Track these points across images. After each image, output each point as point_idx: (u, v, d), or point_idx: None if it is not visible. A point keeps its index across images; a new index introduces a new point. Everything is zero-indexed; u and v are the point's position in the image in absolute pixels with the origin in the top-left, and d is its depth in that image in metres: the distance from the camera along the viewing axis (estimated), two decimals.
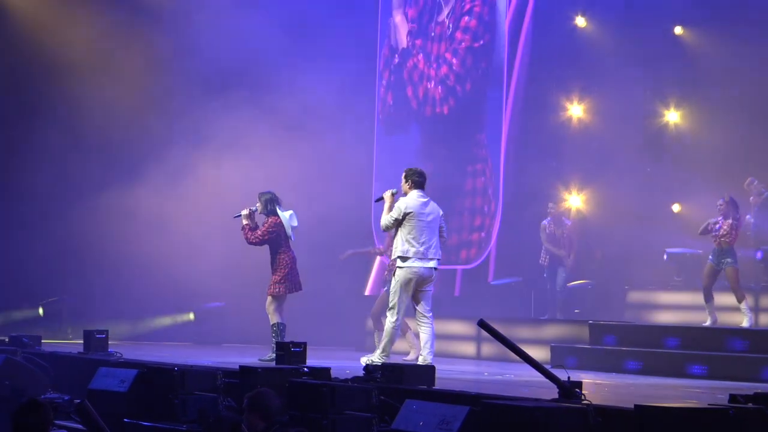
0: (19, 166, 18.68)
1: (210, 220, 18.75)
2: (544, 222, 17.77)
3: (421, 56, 19.51)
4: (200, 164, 18.76)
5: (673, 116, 18.91)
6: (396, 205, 12.61)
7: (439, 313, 16.38)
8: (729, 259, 14.95)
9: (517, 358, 9.08)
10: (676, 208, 18.61)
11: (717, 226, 15.02)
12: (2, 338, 14.74)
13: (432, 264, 12.61)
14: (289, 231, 14.14)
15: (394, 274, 12.69)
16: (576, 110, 19.24)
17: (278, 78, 19.03)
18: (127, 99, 18.56)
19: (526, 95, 18.72)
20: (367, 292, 19.37)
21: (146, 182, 18.59)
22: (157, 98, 18.78)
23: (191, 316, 19.18)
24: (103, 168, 18.64)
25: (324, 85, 18.64)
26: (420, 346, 14.17)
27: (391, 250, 13.03)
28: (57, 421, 8.84)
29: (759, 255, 16.74)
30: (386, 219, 12.68)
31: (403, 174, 12.79)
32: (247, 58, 18.62)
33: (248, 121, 18.62)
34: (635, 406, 7.63)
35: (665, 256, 17.69)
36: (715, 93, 17.93)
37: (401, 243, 12.56)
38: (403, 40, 19.89)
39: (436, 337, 12.73)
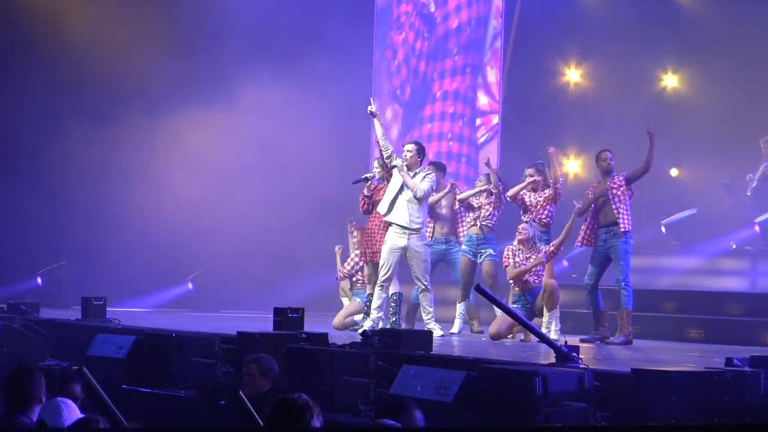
0: (9, 124, 18.48)
1: (213, 184, 18.73)
2: None
3: (418, 24, 19.47)
4: (201, 129, 18.70)
5: (671, 81, 18.84)
6: (433, 177, 12.19)
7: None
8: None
9: (515, 323, 9.11)
10: (674, 172, 18.58)
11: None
12: (0, 306, 14.75)
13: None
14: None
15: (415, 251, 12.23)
16: (573, 75, 19.19)
17: (303, 39, 19.03)
18: (133, 64, 18.46)
19: (522, 61, 18.64)
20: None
21: (145, 144, 18.55)
22: (166, 61, 18.62)
23: (189, 285, 19.14)
24: (99, 129, 18.45)
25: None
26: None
27: None
28: None
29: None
30: (427, 188, 11.94)
31: (416, 147, 12.15)
32: (273, 19, 18.65)
33: (266, 83, 18.60)
34: (632, 369, 7.67)
35: (663, 229, 17.57)
36: (713, 58, 17.83)
37: (426, 219, 12.38)
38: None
39: (436, 303, 12.75)
